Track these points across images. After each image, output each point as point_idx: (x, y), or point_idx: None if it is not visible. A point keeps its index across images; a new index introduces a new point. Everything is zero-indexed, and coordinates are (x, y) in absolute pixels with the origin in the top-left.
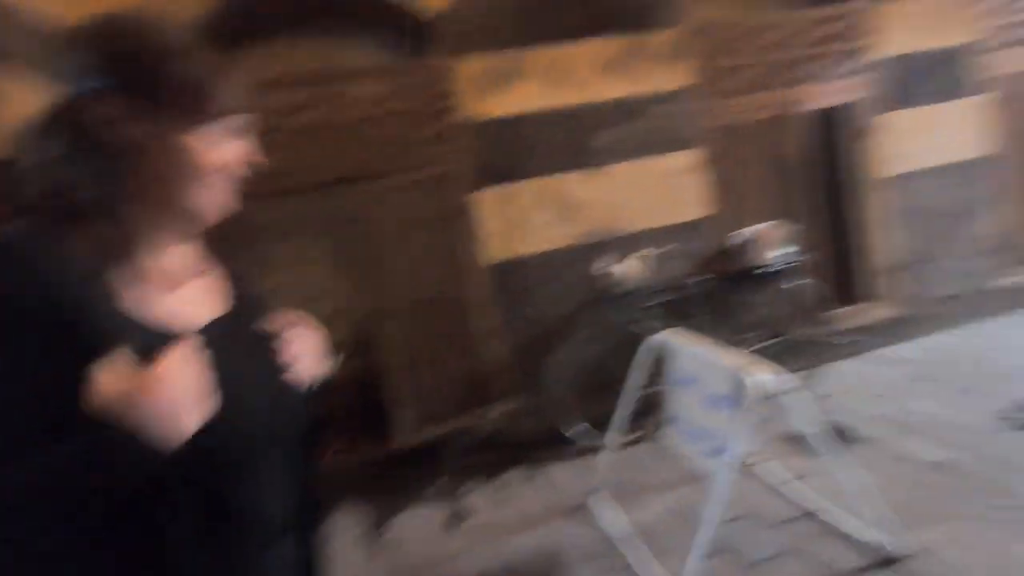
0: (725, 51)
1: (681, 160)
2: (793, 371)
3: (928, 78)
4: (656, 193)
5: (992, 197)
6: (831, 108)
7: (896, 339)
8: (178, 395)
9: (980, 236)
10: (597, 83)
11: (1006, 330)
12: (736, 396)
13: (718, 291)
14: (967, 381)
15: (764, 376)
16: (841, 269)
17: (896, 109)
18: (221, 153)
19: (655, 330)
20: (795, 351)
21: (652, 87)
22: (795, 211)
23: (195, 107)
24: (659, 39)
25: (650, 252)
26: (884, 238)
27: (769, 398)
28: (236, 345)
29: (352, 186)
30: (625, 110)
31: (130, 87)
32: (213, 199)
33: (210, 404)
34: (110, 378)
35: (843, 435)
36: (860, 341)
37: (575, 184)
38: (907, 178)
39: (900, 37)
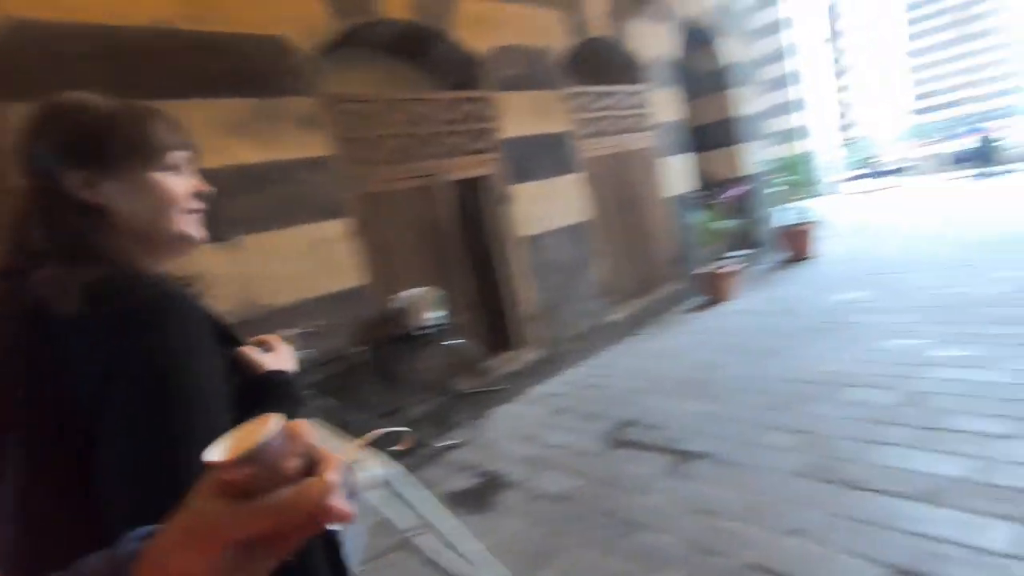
0: (366, 123)
1: (329, 229)
2: (458, 424)
3: (543, 157)
4: (304, 263)
5: (595, 252)
6: (471, 179)
7: (542, 378)
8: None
9: (592, 283)
10: (222, 147)
11: (616, 358)
12: (350, 491)
13: (379, 358)
14: (591, 408)
15: (372, 469)
16: (495, 320)
17: (522, 181)
18: (180, 184)
19: (315, 410)
20: (459, 405)
21: (290, 153)
22: (448, 272)
23: (147, 151)
24: (292, 105)
25: (297, 329)
26: (526, 290)
27: (383, 486)
28: None
29: None
30: (260, 177)
31: (87, 157)
32: (188, 225)
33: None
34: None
35: (495, 483)
36: (514, 385)
37: (207, 257)
38: (537, 239)
39: (518, 122)
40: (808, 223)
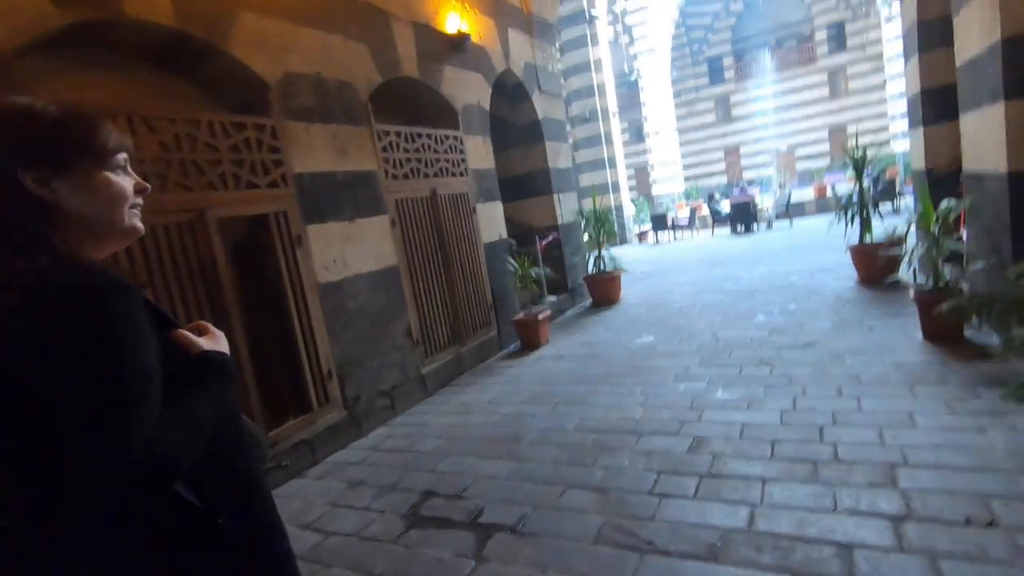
0: None
1: None
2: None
3: (345, 195)
4: None
5: (405, 300)
6: (255, 216)
7: (344, 442)
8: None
9: (401, 334)
10: None
11: (425, 415)
12: None
13: None
14: (390, 478)
15: None
16: (285, 380)
17: (320, 221)
18: (126, 182)
19: None
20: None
21: None
22: (223, 325)
23: (98, 154)
24: None
25: None
26: (323, 344)
27: None
28: None
29: None
30: None
31: (41, 159)
32: (134, 219)
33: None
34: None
35: None
36: (305, 455)
37: None
38: (337, 285)
39: (315, 156)
40: (613, 271)
